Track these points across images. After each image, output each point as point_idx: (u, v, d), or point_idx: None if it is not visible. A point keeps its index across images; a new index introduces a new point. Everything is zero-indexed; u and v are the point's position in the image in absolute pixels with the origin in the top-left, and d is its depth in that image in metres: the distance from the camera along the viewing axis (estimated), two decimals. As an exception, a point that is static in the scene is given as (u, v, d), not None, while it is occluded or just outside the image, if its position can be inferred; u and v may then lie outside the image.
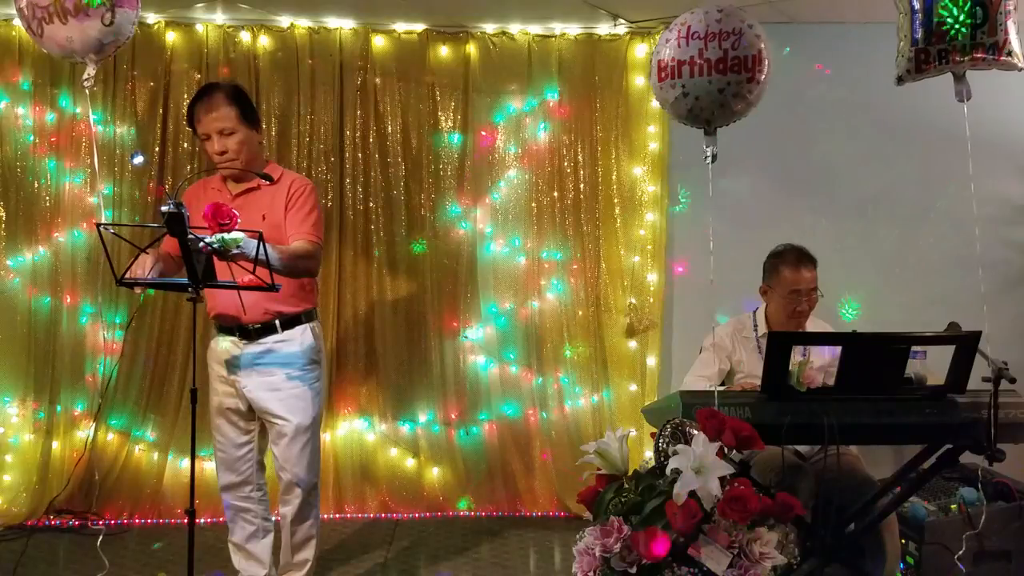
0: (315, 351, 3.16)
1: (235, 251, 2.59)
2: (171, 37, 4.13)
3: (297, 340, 3.09)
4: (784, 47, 4.16)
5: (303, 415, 3.10)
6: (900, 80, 2.68)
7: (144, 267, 2.79)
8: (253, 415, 3.16)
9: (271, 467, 3.24)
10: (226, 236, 2.57)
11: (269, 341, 3.06)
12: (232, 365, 3.07)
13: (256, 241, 2.59)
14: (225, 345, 3.09)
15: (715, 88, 2.72)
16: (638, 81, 4.28)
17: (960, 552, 3.01)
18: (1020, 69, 2.58)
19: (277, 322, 3.04)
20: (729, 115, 2.82)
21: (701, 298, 4.22)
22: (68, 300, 4.13)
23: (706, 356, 3.36)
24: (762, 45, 2.73)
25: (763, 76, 2.77)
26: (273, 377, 3.07)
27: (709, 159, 2.83)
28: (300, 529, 3.19)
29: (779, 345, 2.56)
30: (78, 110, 4.10)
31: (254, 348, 3.06)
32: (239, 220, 2.62)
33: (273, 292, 2.75)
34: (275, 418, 3.09)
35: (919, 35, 2.59)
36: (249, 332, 3.05)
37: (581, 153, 4.29)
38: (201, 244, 2.57)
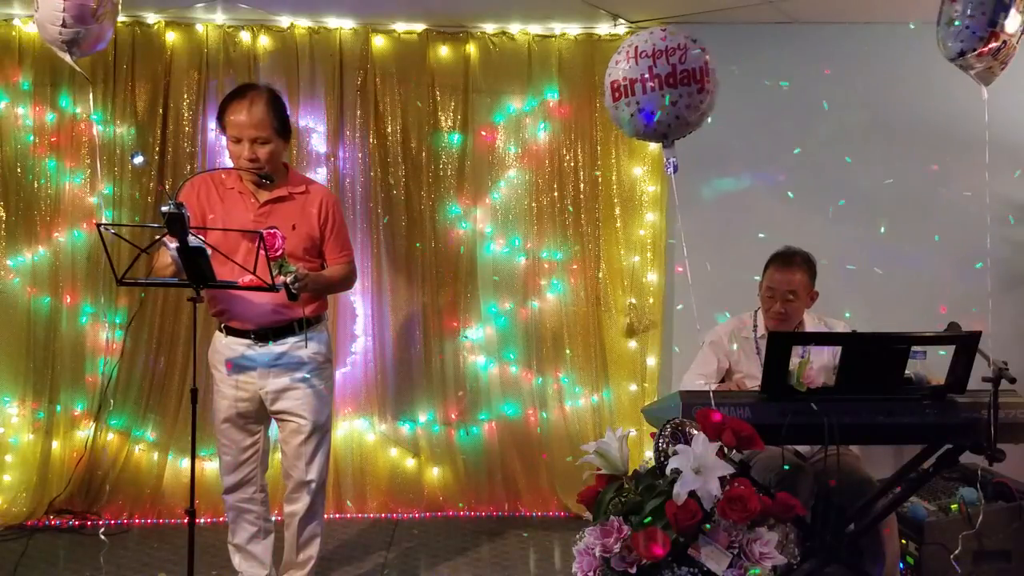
0: (329, 350, 3.20)
1: (290, 279, 2.78)
2: (171, 37, 4.13)
3: (314, 340, 3.10)
4: (776, 51, 4.19)
5: (319, 414, 3.13)
6: (962, 54, 2.64)
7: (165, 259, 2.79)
8: (262, 417, 3.16)
9: (271, 468, 3.24)
10: (284, 264, 2.82)
11: (288, 343, 3.06)
12: (246, 368, 3.06)
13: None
14: (238, 348, 3.07)
15: (668, 101, 2.79)
16: (638, 81, 4.27)
17: (956, 551, 3.01)
18: None
19: (295, 325, 3.05)
20: (684, 126, 2.90)
21: (701, 298, 4.22)
22: (68, 300, 4.13)
23: (705, 354, 3.37)
24: (707, 57, 2.84)
25: (712, 86, 2.84)
26: (291, 378, 3.07)
27: (671, 170, 2.91)
28: (308, 527, 3.20)
29: (779, 345, 2.56)
30: (78, 110, 4.10)
31: (273, 350, 3.05)
32: (279, 241, 2.85)
33: (273, 292, 2.76)
34: (294, 417, 3.09)
35: (1000, 18, 2.56)
36: (267, 335, 3.05)
37: (581, 153, 4.29)
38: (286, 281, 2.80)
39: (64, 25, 2.64)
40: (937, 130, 4.20)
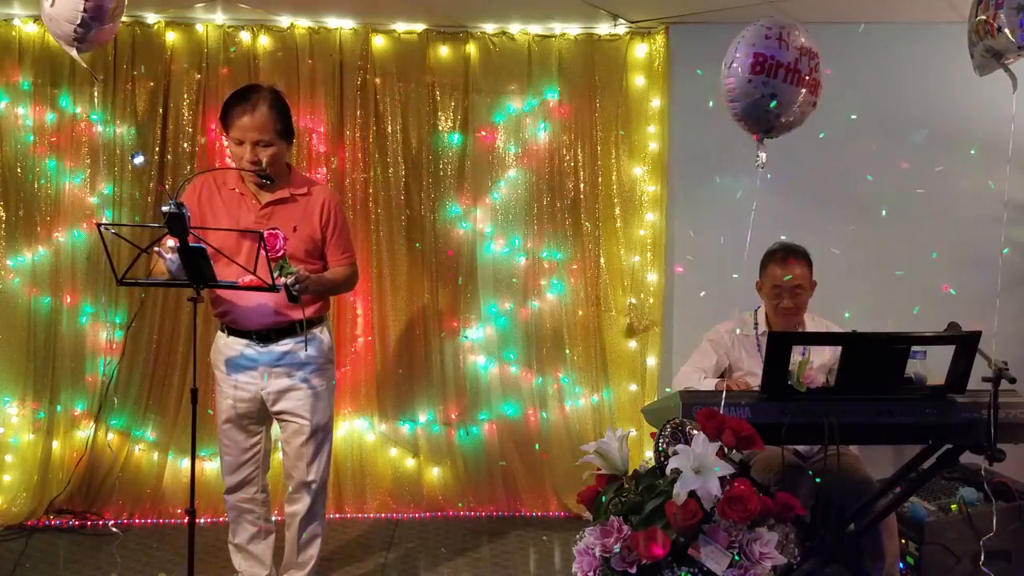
0: (331, 351, 3.19)
1: (291, 280, 2.81)
2: (171, 37, 4.13)
3: (315, 341, 3.10)
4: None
5: (321, 415, 3.13)
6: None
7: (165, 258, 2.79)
8: (263, 418, 3.16)
9: (272, 468, 3.24)
10: (285, 265, 2.86)
11: (289, 343, 3.06)
12: (247, 368, 3.06)
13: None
14: (239, 348, 3.08)
15: (801, 100, 2.77)
16: (638, 81, 4.27)
17: (982, 560, 3.01)
18: None
19: (297, 325, 3.05)
20: (786, 128, 2.88)
21: (701, 298, 4.22)
22: (68, 300, 4.13)
23: (705, 348, 3.38)
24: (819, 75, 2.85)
25: (818, 101, 2.87)
26: (293, 378, 3.08)
27: (760, 165, 2.89)
28: (308, 528, 3.20)
29: (779, 345, 2.56)
30: (78, 110, 4.10)
31: (274, 350, 3.05)
32: (281, 241, 2.91)
33: (273, 292, 2.76)
34: (295, 418, 3.09)
35: None
36: (268, 335, 3.05)
37: (581, 153, 4.29)
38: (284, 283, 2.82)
39: (81, 24, 2.66)
40: (938, 130, 4.20)
